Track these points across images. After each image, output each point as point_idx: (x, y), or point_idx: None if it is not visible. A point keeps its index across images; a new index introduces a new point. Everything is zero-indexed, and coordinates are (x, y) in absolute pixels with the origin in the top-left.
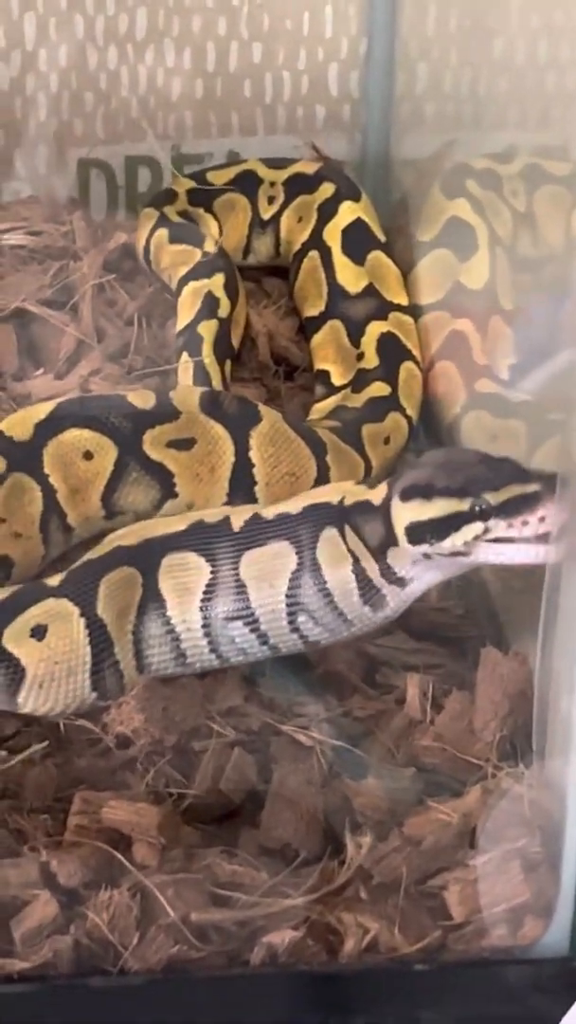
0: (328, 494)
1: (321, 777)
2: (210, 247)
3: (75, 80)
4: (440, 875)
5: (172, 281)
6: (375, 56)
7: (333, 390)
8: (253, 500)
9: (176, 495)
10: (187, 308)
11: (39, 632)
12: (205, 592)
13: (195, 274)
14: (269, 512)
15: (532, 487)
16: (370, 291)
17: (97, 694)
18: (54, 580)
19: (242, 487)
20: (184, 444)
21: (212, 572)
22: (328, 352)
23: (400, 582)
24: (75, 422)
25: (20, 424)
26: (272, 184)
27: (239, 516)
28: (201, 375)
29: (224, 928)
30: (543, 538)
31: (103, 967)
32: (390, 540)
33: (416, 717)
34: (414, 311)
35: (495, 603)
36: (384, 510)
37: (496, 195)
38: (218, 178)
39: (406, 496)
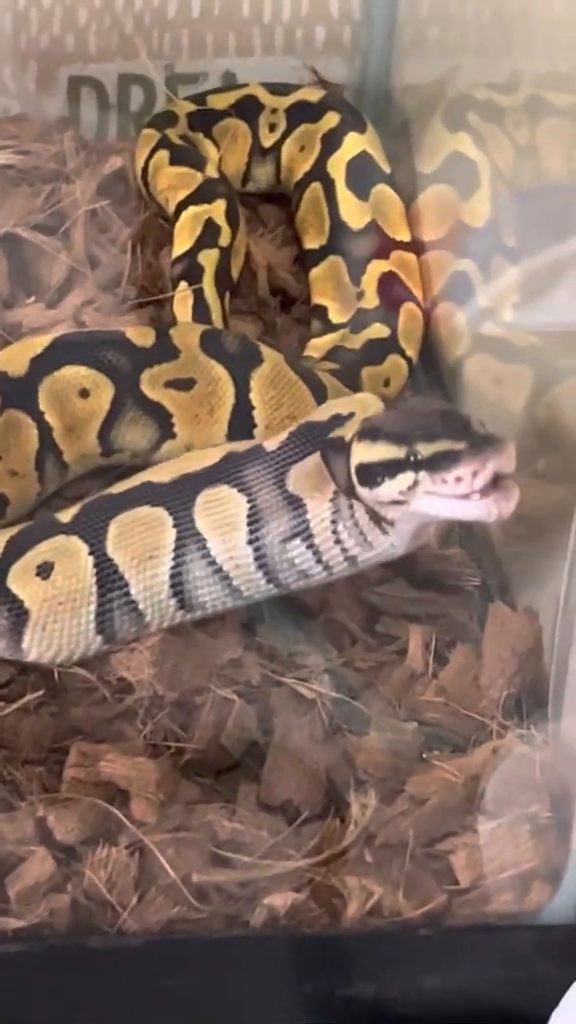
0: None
1: (323, 731)
2: (212, 171)
3: None
4: (447, 839)
5: (169, 204)
6: None
7: (330, 327)
8: None
9: (174, 436)
10: (186, 233)
11: (45, 570)
12: (251, 520)
13: (195, 198)
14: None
15: (459, 445)
16: (373, 228)
17: (103, 638)
18: (67, 515)
19: (241, 429)
20: (183, 384)
21: (250, 501)
22: (327, 288)
23: (386, 521)
24: (72, 358)
25: (15, 359)
26: (274, 111)
27: (271, 441)
28: (201, 307)
29: (225, 889)
30: (466, 496)
31: (101, 927)
32: (350, 480)
33: (418, 669)
34: (416, 248)
35: (498, 550)
36: (348, 445)
37: (498, 127)
38: (218, 102)
39: (360, 435)
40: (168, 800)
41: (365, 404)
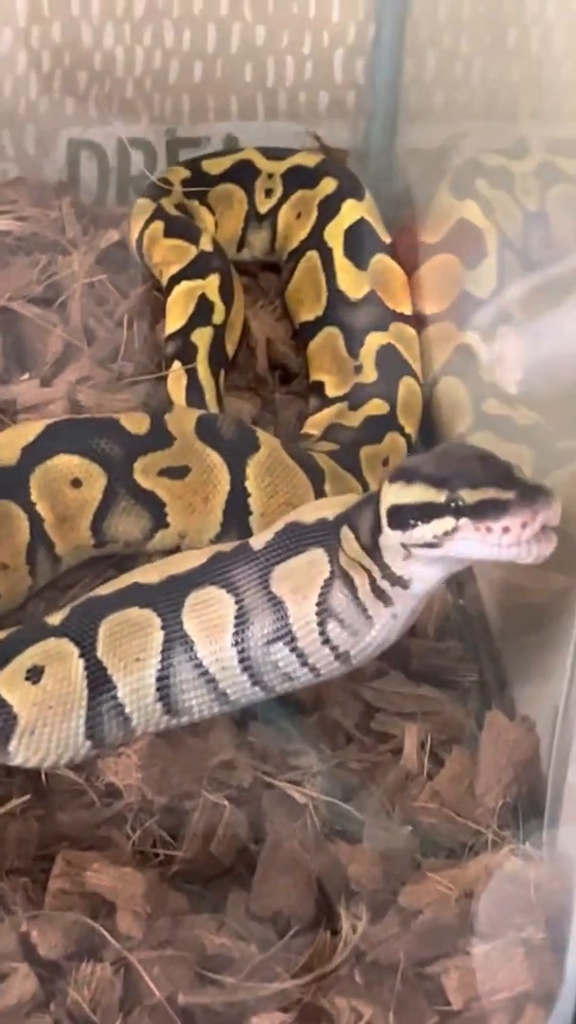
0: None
1: (315, 838)
2: (207, 244)
3: (68, 59)
4: (439, 960)
5: (163, 277)
6: (383, 41)
7: (327, 402)
8: (247, 530)
9: (168, 525)
10: (178, 309)
11: (35, 674)
12: (237, 621)
13: (189, 273)
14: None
15: (507, 495)
16: (372, 298)
17: (92, 742)
18: (56, 618)
19: (237, 517)
20: (178, 472)
21: (237, 602)
22: (324, 361)
23: (401, 582)
24: (64, 447)
25: (6, 447)
26: (270, 176)
27: (258, 539)
28: (195, 388)
29: (212, 1008)
30: (509, 547)
31: None
32: (378, 526)
33: (413, 770)
34: (418, 320)
35: (497, 642)
36: (377, 496)
37: (507, 194)
38: (214, 167)
39: (393, 477)
40: (155, 912)
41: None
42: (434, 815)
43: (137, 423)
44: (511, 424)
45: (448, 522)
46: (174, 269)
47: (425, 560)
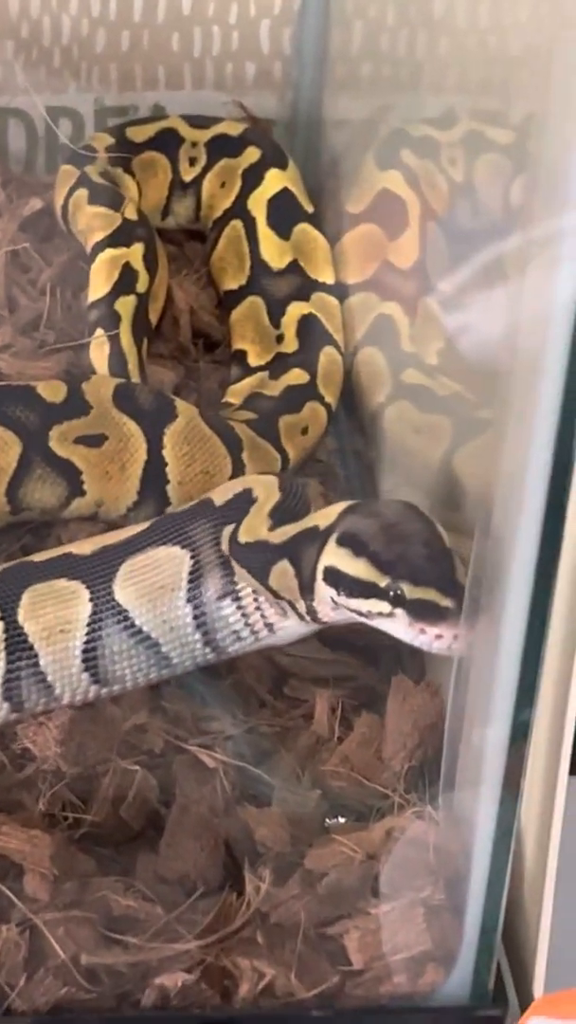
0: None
1: (224, 802)
2: (131, 213)
3: None
4: (340, 921)
5: (88, 245)
6: (309, 12)
7: (249, 371)
8: (164, 499)
9: (84, 493)
10: (102, 277)
11: None
12: (190, 581)
13: (113, 241)
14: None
15: (447, 602)
16: (294, 268)
17: (10, 706)
18: None
19: (154, 486)
20: (94, 440)
21: (193, 557)
22: (247, 331)
23: (318, 620)
24: None
25: None
26: (194, 144)
27: (222, 493)
28: (117, 356)
29: (115, 969)
30: (436, 648)
31: None
32: (315, 573)
33: (324, 735)
34: (340, 290)
35: None
36: (324, 538)
37: (433, 164)
38: (138, 135)
39: (341, 541)
40: (62, 875)
41: (260, 483)
42: (343, 779)
43: (53, 391)
44: (430, 394)
45: (384, 606)
46: (98, 237)
47: (347, 615)
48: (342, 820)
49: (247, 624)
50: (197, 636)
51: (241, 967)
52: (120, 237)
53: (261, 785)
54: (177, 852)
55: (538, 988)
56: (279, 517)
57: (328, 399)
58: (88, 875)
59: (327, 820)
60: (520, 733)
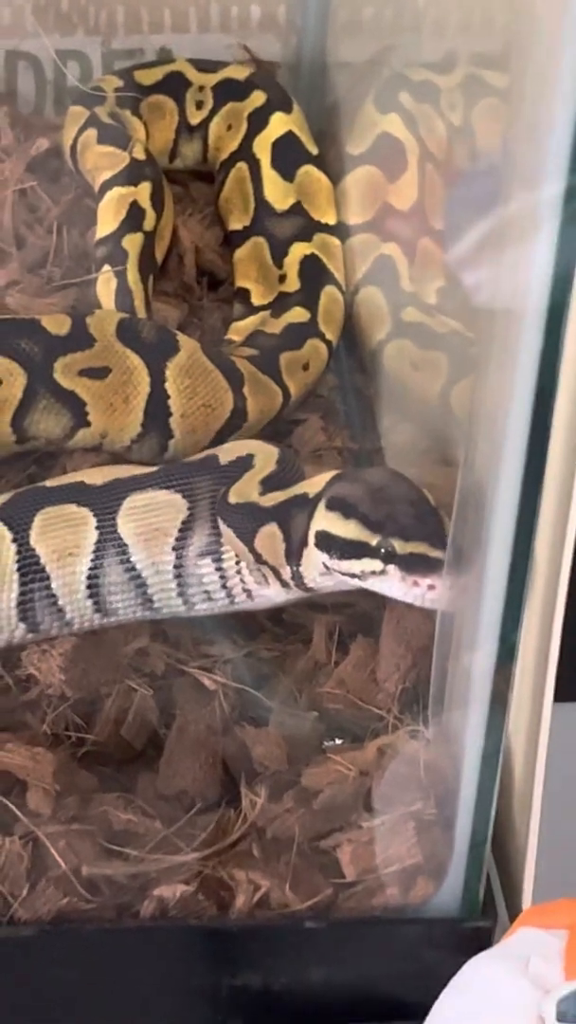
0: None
1: (222, 723)
2: (139, 152)
3: None
4: (333, 835)
5: (95, 184)
6: None
7: (252, 309)
8: (167, 431)
9: (88, 424)
10: (110, 215)
11: None
12: (181, 531)
13: (121, 180)
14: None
15: (437, 553)
16: (297, 209)
17: (26, 626)
18: None
19: (157, 418)
20: (98, 373)
21: (190, 508)
22: (250, 270)
23: (304, 587)
24: None
25: None
26: (201, 88)
27: (227, 453)
28: (123, 292)
29: (115, 880)
30: (431, 600)
31: None
32: (306, 539)
33: (321, 659)
34: (342, 231)
35: None
36: (313, 504)
37: (432, 108)
38: (146, 78)
39: (330, 505)
40: (65, 790)
41: (263, 451)
42: (339, 701)
43: (58, 324)
44: (428, 331)
45: (376, 564)
46: (106, 175)
47: (339, 581)
48: (339, 742)
49: (224, 587)
50: (173, 585)
51: (237, 879)
52: (128, 176)
53: (259, 707)
54: (176, 769)
55: (526, 900)
56: (270, 485)
57: (329, 336)
58: (90, 791)
59: (324, 743)
60: (507, 655)
